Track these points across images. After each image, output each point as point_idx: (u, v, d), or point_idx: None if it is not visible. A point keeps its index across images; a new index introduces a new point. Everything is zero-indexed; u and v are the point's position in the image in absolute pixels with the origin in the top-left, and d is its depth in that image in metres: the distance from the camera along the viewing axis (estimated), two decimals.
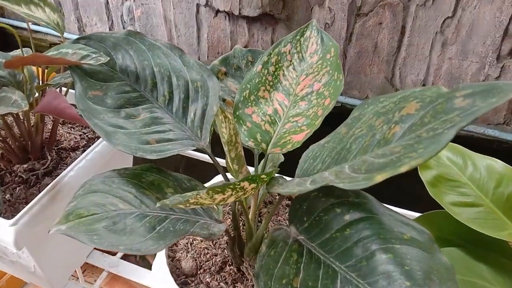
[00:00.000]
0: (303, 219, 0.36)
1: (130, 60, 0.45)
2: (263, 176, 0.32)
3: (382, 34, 1.42)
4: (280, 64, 0.44)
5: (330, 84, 0.40)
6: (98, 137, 0.63)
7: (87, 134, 0.63)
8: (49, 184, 0.52)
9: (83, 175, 0.52)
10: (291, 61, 0.44)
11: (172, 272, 0.45)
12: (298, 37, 0.44)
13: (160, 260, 0.46)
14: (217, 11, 1.52)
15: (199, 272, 0.46)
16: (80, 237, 0.35)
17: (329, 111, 0.38)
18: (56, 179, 0.50)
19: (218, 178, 0.56)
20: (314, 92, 0.42)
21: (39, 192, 0.52)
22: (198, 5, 1.55)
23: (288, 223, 0.38)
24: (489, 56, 1.27)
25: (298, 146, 0.39)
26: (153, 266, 0.48)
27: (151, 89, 0.44)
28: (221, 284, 0.45)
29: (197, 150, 0.44)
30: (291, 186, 0.31)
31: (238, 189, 0.32)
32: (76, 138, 0.62)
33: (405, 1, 1.18)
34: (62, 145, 0.60)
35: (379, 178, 0.24)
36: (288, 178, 0.36)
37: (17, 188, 0.53)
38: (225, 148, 0.38)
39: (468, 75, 1.34)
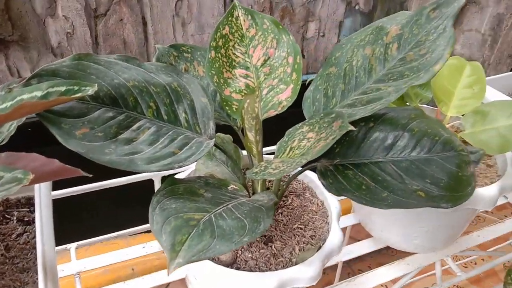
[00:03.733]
0: (333, 146, 0.46)
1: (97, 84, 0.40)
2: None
3: (127, 30, 1.47)
4: (227, 45, 0.49)
5: (283, 46, 0.49)
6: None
7: None
8: None
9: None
10: (233, 40, 0.49)
11: None
12: (230, 18, 0.49)
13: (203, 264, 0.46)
14: None
15: (238, 255, 0.48)
16: (205, 256, 0.34)
17: (300, 65, 0.47)
18: None
19: None
20: (271, 57, 0.49)
21: None
22: None
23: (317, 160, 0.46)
24: None
25: (294, 98, 0.47)
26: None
27: (134, 105, 0.41)
28: (261, 250, 0.49)
29: None
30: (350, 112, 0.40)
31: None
32: None
33: None
34: None
35: (437, 67, 0.37)
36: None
37: None
38: (252, 123, 0.42)
39: None
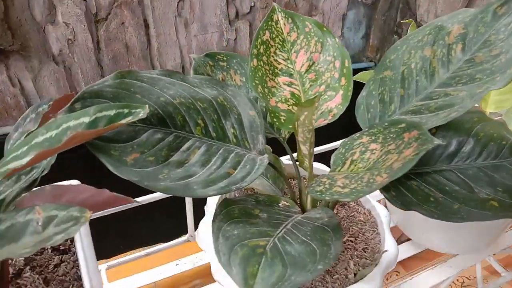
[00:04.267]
0: None
1: (142, 103, 0.36)
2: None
3: (129, 33, 1.43)
4: (268, 52, 0.45)
5: (329, 49, 0.45)
6: None
7: None
8: None
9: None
10: (274, 45, 0.46)
11: None
12: (269, 22, 0.46)
13: None
14: None
15: None
16: (285, 285, 0.31)
17: (350, 69, 0.44)
18: None
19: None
20: (316, 62, 0.46)
21: None
22: None
23: None
24: (223, 23, 1.49)
25: (346, 105, 0.44)
26: None
27: (182, 124, 0.38)
28: None
29: None
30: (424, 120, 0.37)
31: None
32: None
33: None
34: None
35: None
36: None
37: None
38: (307, 136, 0.39)
39: (213, 45, 1.53)
